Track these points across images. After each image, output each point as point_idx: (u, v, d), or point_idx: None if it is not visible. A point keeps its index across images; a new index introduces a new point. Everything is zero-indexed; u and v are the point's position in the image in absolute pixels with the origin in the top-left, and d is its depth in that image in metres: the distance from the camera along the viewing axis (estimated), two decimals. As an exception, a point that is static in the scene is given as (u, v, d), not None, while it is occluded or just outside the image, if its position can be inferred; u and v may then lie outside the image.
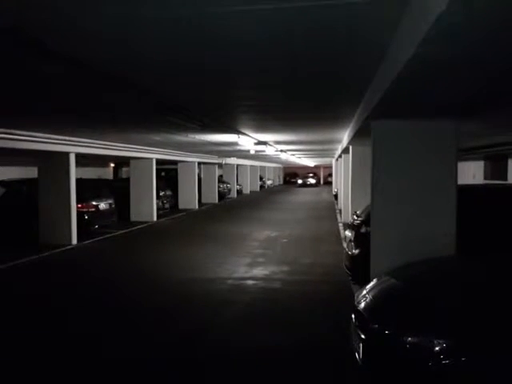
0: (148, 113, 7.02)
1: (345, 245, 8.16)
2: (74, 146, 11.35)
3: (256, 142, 12.41)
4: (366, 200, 6.86)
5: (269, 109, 6.81)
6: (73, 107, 6.52)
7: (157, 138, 11.64)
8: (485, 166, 18.24)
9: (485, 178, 17.97)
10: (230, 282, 7.70)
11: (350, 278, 7.24)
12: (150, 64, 4.10)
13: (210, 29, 3.05)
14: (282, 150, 18.57)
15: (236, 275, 8.15)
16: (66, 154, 11.37)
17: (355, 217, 7.45)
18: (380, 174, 5.55)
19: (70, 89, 5.12)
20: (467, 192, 5.94)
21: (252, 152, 16.80)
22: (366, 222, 6.61)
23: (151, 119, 7.88)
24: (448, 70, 3.02)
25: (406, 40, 2.75)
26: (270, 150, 15.95)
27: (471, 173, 19.02)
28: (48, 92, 5.35)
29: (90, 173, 19.21)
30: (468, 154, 14.69)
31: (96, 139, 11.79)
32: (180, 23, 2.93)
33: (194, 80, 4.75)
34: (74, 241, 11.69)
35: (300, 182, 49.64)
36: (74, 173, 11.67)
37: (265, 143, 13.30)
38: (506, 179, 15.49)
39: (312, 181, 48.90)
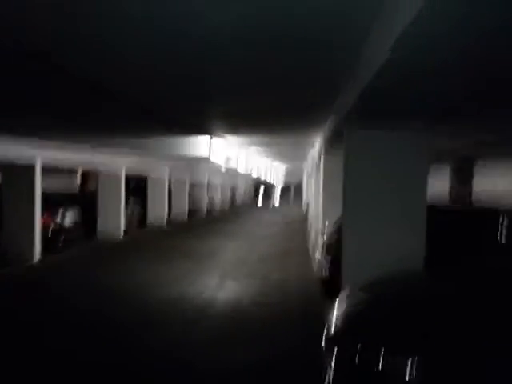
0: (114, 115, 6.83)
1: (316, 259, 8.12)
2: (40, 150, 10.59)
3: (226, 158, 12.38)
4: (337, 212, 6.84)
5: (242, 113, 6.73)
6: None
7: (125, 148, 11.34)
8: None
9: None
10: (199, 300, 7.50)
11: (323, 292, 7.19)
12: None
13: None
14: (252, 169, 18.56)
15: (205, 294, 7.91)
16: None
17: (326, 230, 7.44)
18: (351, 186, 5.53)
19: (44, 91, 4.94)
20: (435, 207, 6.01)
21: (223, 170, 16.61)
22: (336, 234, 6.60)
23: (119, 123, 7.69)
24: (420, 76, 3.02)
25: (379, 45, 2.73)
26: (240, 168, 15.79)
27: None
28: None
29: (56, 185, 18.57)
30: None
31: (62, 145, 11.28)
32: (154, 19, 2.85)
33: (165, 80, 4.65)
34: (38, 256, 11.20)
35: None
36: (39, 184, 11.17)
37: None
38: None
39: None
